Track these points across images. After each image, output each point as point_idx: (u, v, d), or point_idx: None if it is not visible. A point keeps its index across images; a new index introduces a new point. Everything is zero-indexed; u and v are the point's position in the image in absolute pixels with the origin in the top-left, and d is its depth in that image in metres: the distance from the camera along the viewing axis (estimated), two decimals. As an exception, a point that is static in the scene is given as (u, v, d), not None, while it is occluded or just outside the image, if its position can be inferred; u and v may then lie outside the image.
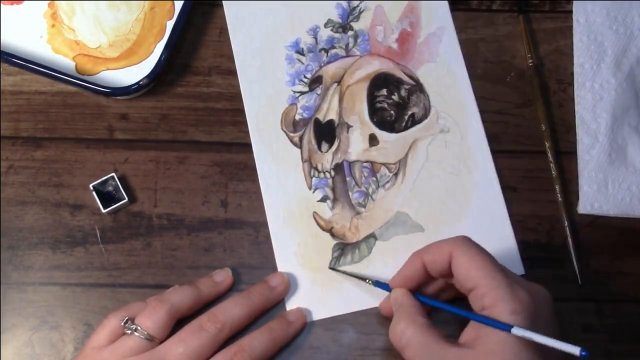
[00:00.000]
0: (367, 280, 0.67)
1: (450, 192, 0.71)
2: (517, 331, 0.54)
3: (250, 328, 0.65)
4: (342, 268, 0.69)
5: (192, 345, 0.61)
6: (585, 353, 0.52)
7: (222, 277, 0.67)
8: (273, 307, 0.67)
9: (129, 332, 0.61)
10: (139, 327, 0.61)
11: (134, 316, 0.62)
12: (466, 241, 0.60)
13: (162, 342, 0.62)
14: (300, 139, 0.73)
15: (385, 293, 0.66)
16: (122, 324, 0.62)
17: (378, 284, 0.66)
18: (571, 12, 0.76)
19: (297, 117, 0.73)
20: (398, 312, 0.61)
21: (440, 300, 0.64)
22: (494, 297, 0.56)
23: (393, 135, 0.73)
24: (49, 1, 0.76)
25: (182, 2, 0.75)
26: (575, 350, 0.52)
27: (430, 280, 0.64)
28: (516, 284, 0.57)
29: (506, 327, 0.54)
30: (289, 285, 0.68)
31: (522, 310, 0.55)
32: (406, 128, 0.73)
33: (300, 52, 0.75)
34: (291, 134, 0.73)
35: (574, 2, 0.76)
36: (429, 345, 0.57)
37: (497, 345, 0.55)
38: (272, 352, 0.64)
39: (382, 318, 0.67)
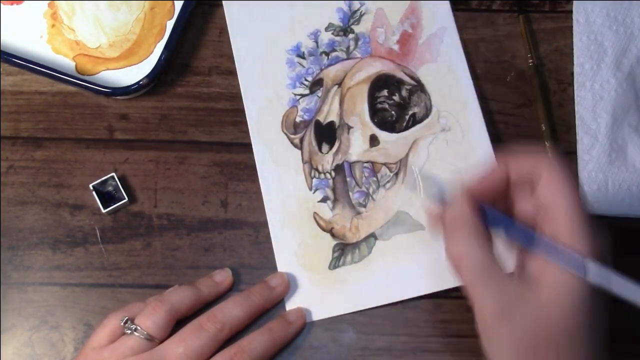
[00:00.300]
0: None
1: (451, 190, 0.71)
2: (593, 271, 0.51)
3: (250, 328, 0.65)
4: (341, 268, 0.69)
5: (192, 345, 0.61)
6: None
7: (222, 277, 0.67)
8: (273, 307, 0.67)
9: (129, 332, 0.61)
10: (138, 327, 0.61)
11: (133, 316, 0.62)
12: (559, 164, 0.55)
13: (161, 342, 0.62)
14: (301, 140, 0.73)
15: (392, 287, 0.67)
16: (122, 324, 0.62)
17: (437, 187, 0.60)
18: (571, 12, 0.76)
19: (298, 119, 0.73)
20: (459, 223, 0.56)
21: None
22: (570, 230, 0.53)
23: (394, 135, 0.73)
24: (49, 1, 0.76)
25: (182, 2, 0.75)
26: None
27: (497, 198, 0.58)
28: (592, 227, 0.53)
29: (581, 271, 0.51)
30: (289, 285, 0.68)
31: (596, 254, 0.52)
32: (407, 128, 0.73)
33: (301, 56, 0.75)
34: (292, 136, 0.73)
35: (574, 2, 0.76)
36: (491, 266, 0.54)
37: (565, 286, 0.52)
38: (271, 352, 0.64)
39: (382, 318, 0.68)
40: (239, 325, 0.64)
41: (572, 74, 0.75)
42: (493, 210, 0.57)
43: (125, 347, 0.61)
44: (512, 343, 0.53)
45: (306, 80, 0.75)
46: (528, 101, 0.74)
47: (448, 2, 0.77)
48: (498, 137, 0.73)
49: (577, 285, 0.52)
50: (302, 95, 0.74)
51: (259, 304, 0.66)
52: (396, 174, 0.72)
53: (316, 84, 0.74)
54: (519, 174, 0.57)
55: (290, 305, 0.68)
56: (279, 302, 0.68)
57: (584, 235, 0.53)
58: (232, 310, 0.64)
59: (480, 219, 0.56)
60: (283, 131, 0.73)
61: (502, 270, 0.54)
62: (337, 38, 0.76)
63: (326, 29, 0.76)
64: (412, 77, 0.74)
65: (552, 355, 0.52)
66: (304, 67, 0.75)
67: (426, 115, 0.73)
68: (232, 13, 0.76)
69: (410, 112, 0.73)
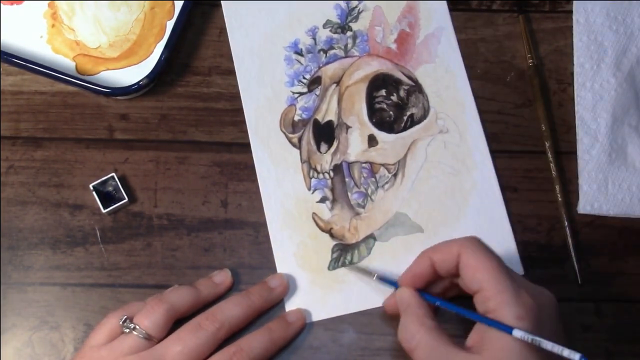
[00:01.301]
0: (374, 276, 0.67)
1: (450, 192, 0.71)
2: (517, 333, 0.54)
3: (249, 329, 0.65)
4: (340, 269, 0.69)
5: (191, 345, 0.61)
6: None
7: (222, 278, 0.67)
8: (272, 308, 0.67)
9: (127, 331, 0.61)
10: (137, 326, 0.61)
11: (132, 315, 0.62)
12: (475, 242, 0.60)
13: (160, 341, 0.62)
14: (299, 139, 0.73)
15: (388, 290, 0.66)
16: (121, 323, 0.62)
17: (384, 279, 0.66)
18: (571, 12, 0.76)
19: (296, 117, 0.73)
20: (406, 312, 0.62)
21: (445, 297, 0.64)
22: (499, 301, 0.56)
23: (392, 136, 0.73)
24: (49, 1, 0.76)
25: (182, 2, 0.75)
26: (575, 356, 0.53)
27: (437, 279, 0.64)
28: (522, 288, 0.57)
29: (508, 330, 0.55)
30: (288, 287, 0.68)
31: (526, 316, 0.55)
32: (405, 129, 0.73)
33: (299, 53, 0.75)
34: (290, 135, 0.73)
35: (574, 2, 0.76)
36: (439, 348, 0.58)
37: (503, 351, 0.55)
38: (271, 352, 0.64)
39: (382, 318, 0.68)
40: (237, 325, 0.64)
41: (572, 73, 0.75)
42: (429, 295, 0.63)
43: (123, 346, 0.61)
44: None
45: (304, 78, 0.75)
46: (528, 101, 0.74)
47: (445, 2, 0.77)
48: (498, 137, 0.73)
49: (518, 349, 0.55)
50: (301, 94, 0.74)
51: (258, 304, 0.66)
52: (395, 175, 0.72)
53: (314, 82, 0.74)
54: (444, 263, 0.61)
55: (290, 305, 0.68)
56: (278, 303, 0.68)
57: (511, 300, 0.56)
58: (231, 310, 0.64)
59: (424, 305, 0.62)
60: (281, 130, 0.73)
61: (449, 346, 0.57)
62: (335, 35, 0.76)
63: (324, 26, 0.76)
64: (410, 78, 0.74)
65: None
66: (302, 64, 0.75)
67: (424, 116, 0.73)
68: (231, 13, 0.76)
69: (408, 113, 0.73)
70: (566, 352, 0.53)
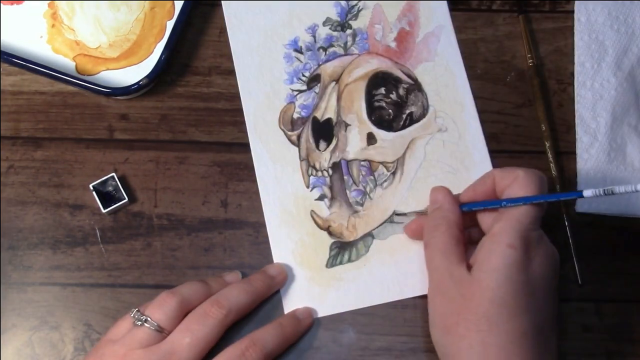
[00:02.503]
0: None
1: (448, 191, 0.71)
2: (587, 193, 0.58)
3: (248, 329, 0.65)
4: (338, 267, 0.69)
5: (199, 334, 0.61)
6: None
7: (233, 278, 0.67)
8: (272, 296, 0.68)
9: (139, 323, 0.61)
10: (148, 319, 0.61)
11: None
12: (537, 175, 0.62)
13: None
14: (298, 137, 0.73)
15: (386, 290, 0.68)
16: (132, 315, 0.62)
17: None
18: (571, 12, 0.76)
19: (295, 115, 0.73)
20: (441, 218, 0.65)
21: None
22: (503, 225, 0.60)
23: (391, 134, 0.73)
24: (49, 1, 0.76)
25: (182, 2, 0.75)
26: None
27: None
28: (534, 228, 0.61)
29: (578, 194, 0.59)
30: (287, 275, 0.68)
31: (518, 248, 0.58)
32: (404, 127, 0.73)
33: (299, 51, 0.75)
34: (289, 133, 0.73)
35: (575, 1, 0.76)
36: (447, 256, 0.62)
37: (487, 273, 0.58)
38: (282, 347, 0.65)
39: (382, 318, 0.68)
40: (243, 311, 0.64)
41: (572, 73, 0.75)
42: (466, 204, 0.65)
43: (134, 339, 0.61)
44: (441, 314, 0.61)
45: (303, 75, 0.75)
46: (528, 101, 0.74)
47: (445, 1, 0.77)
48: (498, 137, 0.73)
49: (499, 274, 0.58)
50: (300, 91, 0.74)
51: (261, 290, 0.66)
52: (393, 174, 0.72)
53: (313, 80, 0.74)
54: (503, 181, 0.63)
55: (287, 302, 0.68)
56: (277, 291, 0.68)
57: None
58: (235, 296, 0.64)
59: (459, 219, 0.65)
60: (280, 128, 0.73)
61: (457, 258, 0.61)
62: (335, 33, 0.76)
63: (324, 24, 0.76)
64: (409, 76, 0.74)
65: (471, 331, 0.58)
66: (301, 62, 0.75)
67: (423, 115, 0.73)
68: (231, 11, 0.76)
69: (407, 112, 0.73)
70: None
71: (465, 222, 0.65)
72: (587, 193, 0.57)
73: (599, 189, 0.57)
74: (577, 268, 0.69)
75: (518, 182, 0.61)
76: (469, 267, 0.60)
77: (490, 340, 0.57)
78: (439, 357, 0.61)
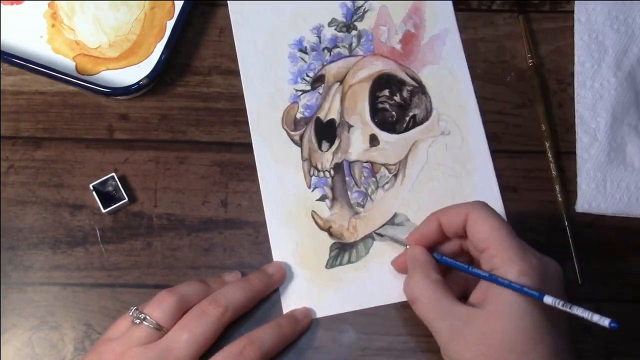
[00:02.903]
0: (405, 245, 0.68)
1: (450, 194, 0.71)
2: (548, 299, 0.55)
3: (246, 328, 0.65)
4: (338, 267, 0.69)
5: (197, 332, 0.61)
6: (615, 324, 0.53)
7: (232, 278, 0.67)
8: (271, 295, 0.68)
9: (138, 321, 0.61)
10: (147, 317, 0.61)
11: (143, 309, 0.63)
12: (483, 205, 0.61)
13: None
14: (301, 137, 0.73)
15: (385, 289, 0.68)
16: (130, 313, 0.62)
17: (397, 241, 0.69)
18: (571, 12, 0.76)
19: (299, 115, 0.73)
20: (414, 266, 0.63)
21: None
22: (504, 257, 0.58)
23: (394, 136, 0.73)
24: (49, 1, 0.76)
25: (182, 2, 0.75)
26: (604, 321, 0.53)
27: (445, 242, 0.65)
28: (527, 249, 0.59)
29: (538, 296, 0.55)
30: (285, 274, 0.68)
31: (530, 273, 0.57)
32: (407, 129, 0.73)
33: (304, 51, 0.75)
34: (292, 132, 0.73)
35: (575, 1, 0.76)
36: (440, 300, 0.60)
37: (505, 306, 0.56)
38: (280, 347, 0.65)
39: (382, 318, 0.68)
40: (240, 309, 0.64)
41: (572, 74, 0.75)
42: (439, 255, 0.64)
43: (133, 337, 0.61)
44: (465, 358, 0.58)
45: (308, 76, 0.75)
46: (528, 101, 0.74)
47: (451, 2, 0.77)
48: (498, 137, 0.73)
49: (519, 304, 0.56)
50: (303, 92, 0.74)
51: (259, 288, 0.66)
52: (395, 176, 0.72)
53: (317, 80, 0.74)
54: (451, 224, 0.63)
55: (286, 302, 0.68)
56: (276, 290, 0.68)
57: (515, 257, 0.57)
58: (233, 294, 0.64)
59: (432, 262, 0.64)
60: (283, 127, 0.73)
61: (453, 301, 0.59)
62: (340, 34, 0.76)
63: (329, 24, 0.76)
64: (413, 78, 0.74)
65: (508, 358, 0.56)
66: (305, 62, 0.75)
67: (426, 117, 0.73)
68: (236, 10, 0.76)
69: (411, 114, 0.73)
70: (596, 317, 0.53)
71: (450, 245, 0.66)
72: (547, 300, 0.55)
73: (559, 301, 0.55)
74: (577, 268, 0.69)
75: (473, 220, 0.61)
76: (471, 304, 0.60)
77: None
78: None
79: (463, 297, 0.62)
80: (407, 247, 0.66)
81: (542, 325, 0.56)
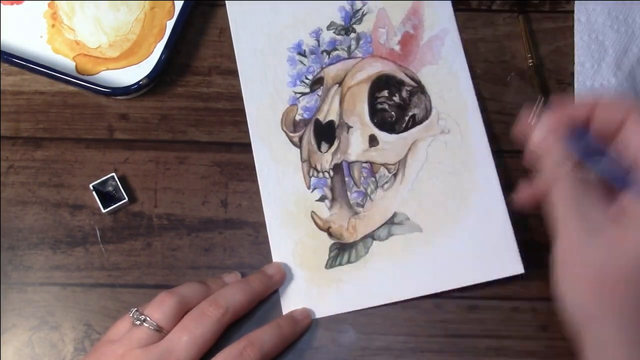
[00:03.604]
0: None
1: (450, 192, 0.71)
2: None
3: (246, 329, 0.65)
4: (338, 268, 0.69)
5: (197, 333, 0.61)
6: None
7: (232, 279, 0.67)
8: (270, 295, 0.68)
9: (138, 323, 0.61)
10: (147, 318, 0.61)
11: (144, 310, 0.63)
12: None
13: None
14: (300, 139, 0.73)
15: (384, 290, 0.67)
16: (131, 315, 0.62)
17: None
18: (571, 12, 0.76)
19: (298, 117, 0.73)
20: (550, 150, 0.57)
21: None
22: None
23: (393, 136, 0.73)
24: (49, 1, 0.76)
25: (182, 2, 0.75)
26: None
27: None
28: None
29: None
30: (285, 275, 0.68)
31: None
32: (406, 129, 0.73)
33: (302, 54, 0.75)
34: (291, 134, 0.73)
35: (575, 1, 0.76)
36: (580, 195, 0.55)
37: None
38: (280, 348, 0.65)
39: (382, 318, 0.68)
40: (240, 310, 0.64)
41: (572, 73, 0.75)
42: (590, 137, 0.57)
43: (133, 338, 0.61)
44: (582, 273, 0.53)
45: (307, 78, 0.75)
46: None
47: (450, 2, 0.77)
48: (498, 137, 0.73)
49: None
50: (303, 94, 0.74)
51: (258, 289, 0.66)
52: (395, 175, 0.71)
53: (317, 83, 0.74)
54: (605, 121, 0.57)
55: (286, 303, 0.68)
56: (276, 291, 0.68)
57: None
58: (233, 295, 0.64)
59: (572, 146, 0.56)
60: (282, 129, 0.73)
61: (592, 199, 0.54)
62: (339, 37, 0.76)
63: (328, 28, 0.76)
64: (412, 79, 0.74)
65: (619, 292, 0.52)
66: (305, 65, 0.75)
67: (426, 117, 0.73)
68: (235, 13, 0.76)
69: (410, 114, 0.73)
70: None
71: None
72: None
73: None
74: (577, 268, 0.68)
75: (634, 124, 0.54)
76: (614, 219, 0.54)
77: None
78: (575, 325, 0.55)
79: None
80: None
81: None
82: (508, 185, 0.71)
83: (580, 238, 0.53)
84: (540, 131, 0.58)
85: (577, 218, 0.54)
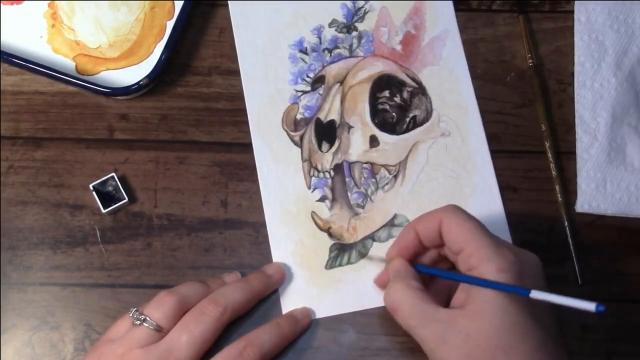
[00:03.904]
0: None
1: (449, 195, 0.71)
2: (535, 294, 0.55)
3: (246, 329, 0.65)
4: (338, 268, 0.69)
5: (196, 332, 0.61)
6: (601, 307, 0.52)
7: (232, 279, 0.67)
8: (270, 296, 0.68)
9: (138, 322, 0.61)
10: (147, 318, 0.61)
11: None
12: (455, 208, 0.61)
13: None
14: (301, 138, 0.73)
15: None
16: (131, 315, 0.62)
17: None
18: (571, 12, 0.76)
19: (299, 116, 0.73)
20: (393, 277, 0.63)
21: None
22: (480, 256, 0.57)
23: (394, 137, 0.73)
24: (49, 1, 0.76)
25: (182, 2, 0.75)
26: (591, 306, 0.53)
27: (424, 253, 0.65)
28: (503, 245, 0.59)
29: (524, 292, 0.55)
30: (285, 274, 0.68)
31: (508, 269, 0.56)
32: (407, 130, 0.73)
33: (304, 52, 0.75)
34: (292, 133, 0.73)
35: (575, 1, 0.76)
36: (421, 306, 0.59)
37: (486, 304, 0.56)
38: (280, 347, 0.65)
39: (382, 318, 0.68)
40: (239, 309, 0.64)
41: (572, 73, 0.75)
42: (419, 266, 0.64)
43: (133, 338, 0.61)
44: (454, 355, 0.57)
45: (308, 76, 0.75)
46: (528, 101, 0.74)
47: (451, 3, 0.77)
48: (498, 138, 0.73)
49: (500, 300, 0.56)
50: (304, 92, 0.74)
51: (258, 289, 0.66)
52: (395, 177, 0.72)
53: (318, 81, 0.74)
54: (427, 231, 0.62)
55: (286, 303, 0.68)
56: (275, 290, 0.68)
57: (491, 254, 0.57)
58: (232, 294, 0.64)
59: (412, 272, 0.63)
60: (283, 128, 0.73)
61: (433, 306, 0.59)
62: (340, 35, 0.76)
63: (330, 25, 0.76)
64: (413, 79, 0.74)
65: (495, 356, 0.55)
66: (306, 63, 0.75)
67: (427, 118, 0.73)
68: (237, 10, 0.76)
69: (411, 115, 0.73)
70: (582, 304, 0.53)
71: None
72: (534, 294, 0.55)
73: (543, 295, 0.55)
74: (577, 268, 0.69)
75: (447, 224, 0.60)
76: (453, 307, 0.60)
77: None
78: None
79: (447, 305, 0.61)
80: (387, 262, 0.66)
81: (526, 319, 0.56)
82: (507, 186, 0.71)
83: (436, 336, 0.57)
84: (390, 266, 0.64)
85: (426, 325, 0.58)
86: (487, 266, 0.57)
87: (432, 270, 0.63)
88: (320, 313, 0.68)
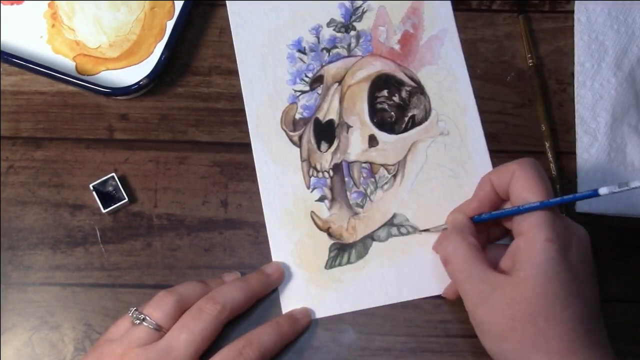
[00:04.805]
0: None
1: (449, 194, 0.71)
2: (603, 190, 0.58)
3: (246, 329, 0.65)
4: (337, 268, 0.69)
5: (195, 330, 0.61)
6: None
7: (231, 279, 0.67)
8: (269, 294, 0.68)
9: (137, 322, 0.61)
10: (147, 317, 0.61)
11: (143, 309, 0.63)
12: (530, 162, 0.62)
13: None
14: (300, 138, 0.73)
15: (382, 290, 0.68)
16: (130, 314, 0.62)
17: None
18: (571, 12, 0.76)
19: (297, 116, 0.73)
20: (451, 228, 0.65)
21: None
22: (532, 222, 0.59)
23: (393, 137, 0.73)
24: (49, 1, 0.76)
25: (182, 2, 0.75)
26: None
27: (501, 204, 0.66)
28: (557, 215, 0.60)
29: (593, 193, 0.58)
30: (284, 274, 0.68)
31: (555, 239, 0.58)
32: (406, 130, 0.73)
33: (302, 51, 0.75)
34: (291, 133, 0.73)
35: (575, 1, 0.76)
36: (473, 263, 0.61)
37: (533, 270, 0.58)
38: (279, 347, 0.65)
39: (382, 318, 0.68)
40: (238, 308, 0.64)
41: (572, 73, 0.75)
42: (478, 217, 0.65)
43: (132, 337, 0.61)
44: (492, 322, 0.59)
45: (306, 76, 0.75)
46: (528, 101, 0.74)
47: (449, 2, 0.77)
48: (498, 137, 0.73)
49: (547, 266, 0.58)
50: (302, 92, 0.74)
51: (257, 288, 0.66)
52: (394, 176, 0.72)
53: (316, 81, 0.74)
54: (502, 184, 0.63)
55: (285, 303, 0.68)
56: (274, 290, 0.68)
57: (545, 222, 0.59)
58: (231, 293, 0.64)
59: (471, 227, 0.65)
60: (282, 128, 0.73)
61: (484, 266, 0.61)
62: (339, 34, 0.76)
63: (328, 25, 0.76)
64: (412, 79, 0.74)
65: (529, 331, 0.57)
66: (304, 62, 0.75)
67: (425, 118, 0.73)
68: (235, 10, 0.76)
69: (410, 114, 0.73)
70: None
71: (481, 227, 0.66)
72: (602, 191, 0.57)
73: (614, 186, 0.57)
74: (577, 268, 0.69)
75: (517, 177, 0.61)
76: (501, 271, 0.61)
77: (551, 334, 0.57)
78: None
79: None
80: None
81: (569, 289, 0.57)
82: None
83: (480, 295, 0.60)
84: (452, 220, 0.66)
85: (473, 282, 0.60)
86: (537, 234, 0.58)
87: (487, 216, 0.64)
88: (319, 313, 0.68)
